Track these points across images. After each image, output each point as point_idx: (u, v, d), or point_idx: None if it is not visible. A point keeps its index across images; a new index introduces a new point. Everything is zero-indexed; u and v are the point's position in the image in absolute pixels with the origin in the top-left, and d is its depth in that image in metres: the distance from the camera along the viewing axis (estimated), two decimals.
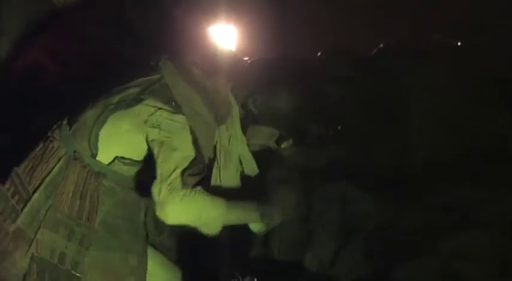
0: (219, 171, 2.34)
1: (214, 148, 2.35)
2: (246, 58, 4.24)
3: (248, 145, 2.46)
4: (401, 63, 3.52)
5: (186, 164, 2.11)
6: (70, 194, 2.17)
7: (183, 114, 2.16)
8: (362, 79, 3.62)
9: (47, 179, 2.19)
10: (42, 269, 2.14)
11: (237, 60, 4.22)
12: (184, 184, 2.09)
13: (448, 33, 3.81)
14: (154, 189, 2.07)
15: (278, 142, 2.39)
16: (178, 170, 2.09)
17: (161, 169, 2.09)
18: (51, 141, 2.27)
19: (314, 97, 2.58)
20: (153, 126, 2.14)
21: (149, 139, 2.15)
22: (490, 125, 3.03)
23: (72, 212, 2.16)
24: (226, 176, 2.36)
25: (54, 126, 2.32)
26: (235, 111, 2.36)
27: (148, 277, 2.26)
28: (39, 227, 2.15)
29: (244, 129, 2.49)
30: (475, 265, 2.31)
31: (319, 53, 4.35)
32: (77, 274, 2.13)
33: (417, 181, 2.75)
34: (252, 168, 2.48)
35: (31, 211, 2.18)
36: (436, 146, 2.97)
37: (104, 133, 2.19)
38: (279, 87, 2.36)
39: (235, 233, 2.50)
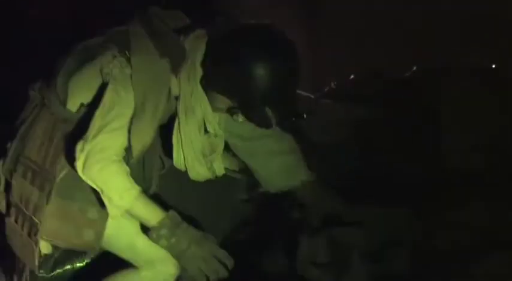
0: (179, 129, 2.26)
1: (176, 103, 2.26)
2: None
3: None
4: (431, 86, 3.49)
5: (118, 124, 2.07)
6: (38, 141, 2.21)
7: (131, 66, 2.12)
8: (393, 101, 3.61)
9: (22, 128, 2.28)
10: (17, 213, 2.24)
11: None
12: (105, 151, 2.05)
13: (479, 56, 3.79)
14: (78, 145, 2.04)
15: (232, 112, 2.26)
16: (106, 135, 2.05)
17: (93, 125, 2.06)
18: (31, 92, 2.35)
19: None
20: (107, 74, 2.12)
21: (107, 88, 2.13)
22: None
23: (38, 158, 2.20)
24: (187, 134, 2.26)
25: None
26: (197, 67, 2.23)
27: (118, 230, 2.22)
28: (14, 172, 2.25)
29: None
30: None
31: (351, 76, 4.38)
32: (36, 220, 2.15)
33: (445, 198, 2.70)
34: (217, 132, 2.37)
35: (11, 159, 2.29)
36: (465, 165, 2.92)
37: (71, 81, 2.20)
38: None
39: None
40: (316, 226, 2.61)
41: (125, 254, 2.27)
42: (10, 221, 2.29)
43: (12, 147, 2.30)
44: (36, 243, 2.18)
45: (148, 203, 2.12)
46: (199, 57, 2.20)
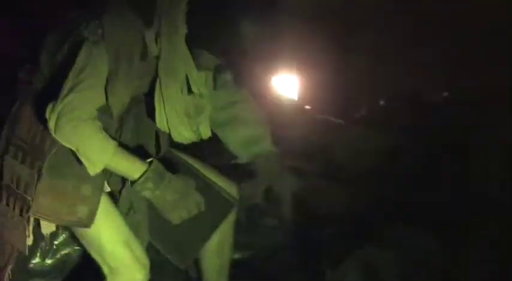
0: (161, 90, 2.20)
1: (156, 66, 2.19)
2: (307, 107, 4.31)
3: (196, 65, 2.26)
4: (462, 112, 3.49)
5: (90, 83, 2.03)
6: (28, 120, 2.18)
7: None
8: (424, 127, 3.61)
9: (12, 110, 2.25)
10: (8, 195, 2.19)
11: (298, 109, 4.31)
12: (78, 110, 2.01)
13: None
14: (49, 106, 1.99)
15: (218, 70, 2.23)
16: (77, 95, 2.01)
17: (65, 85, 2.01)
18: (20, 75, 2.32)
19: None
20: (80, 37, 2.08)
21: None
22: None
23: (28, 137, 2.17)
24: (169, 95, 2.21)
25: None
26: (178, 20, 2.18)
27: (93, 230, 2.16)
28: (4, 155, 2.21)
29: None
30: None
31: (381, 101, 4.39)
32: (28, 197, 2.12)
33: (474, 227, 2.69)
34: (203, 92, 2.30)
35: (2, 142, 2.24)
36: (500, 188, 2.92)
37: (53, 56, 2.16)
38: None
39: None
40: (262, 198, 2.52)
41: (95, 256, 2.22)
42: (1, 205, 2.22)
43: (4, 131, 2.26)
44: (28, 220, 2.16)
45: (127, 156, 2.07)
46: (180, 14, 2.17)
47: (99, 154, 2.04)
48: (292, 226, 2.94)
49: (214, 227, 2.31)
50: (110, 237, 2.17)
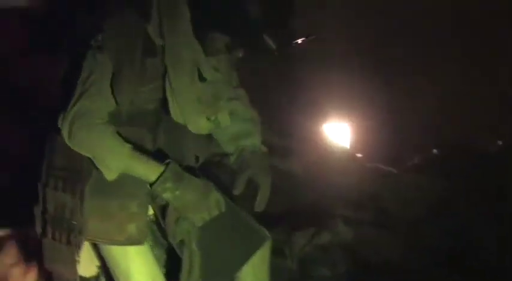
0: (170, 80, 2.15)
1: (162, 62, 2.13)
2: (358, 154, 4.33)
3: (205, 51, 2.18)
4: None
5: (98, 87, 2.03)
6: (60, 147, 2.14)
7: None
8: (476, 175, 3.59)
9: (47, 142, 2.22)
10: (53, 228, 2.15)
11: (349, 157, 4.32)
12: (91, 115, 2.02)
13: None
14: (60, 117, 2.00)
15: (228, 48, 2.16)
16: (86, 101, 2.03)
17: (74, 94, 2.03)
18: None
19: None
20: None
21: None
22: None
23: (64, 164, 2.15)
24: (178, 85, 2.16)
25: None
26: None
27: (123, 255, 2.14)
28: (44, 187, 2.18)
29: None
30: None
31: (433, 150, 4.37)
32: (74, 222, 2.09)
33: None
34: (216, 77, 2.24)
35: (44, 174, 2.20)
36: None
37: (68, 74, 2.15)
38: None
39: None
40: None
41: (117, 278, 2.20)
42: (47, 240, 2.19)
43: (43, 166, 2.23)
44: (77, 245, 2.12)
45: (143, 158, 2.06)
46: (181, 1, 2.14)
47: (114, 157, 2.05)
48: (344, 275, 2.94)
49: (245, 259, 2.26)
50: (139, 268, 2.16)
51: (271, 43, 2.07)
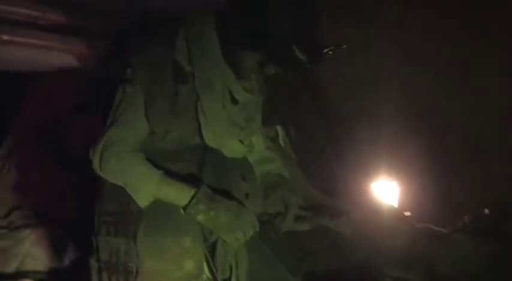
0: (201, 105, 2.14)
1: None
2: (407, 214, 4.26)
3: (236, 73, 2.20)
4: None
5: (127, 116, 2.08)
6: (106, 192, 2.18)
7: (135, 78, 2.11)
8: None
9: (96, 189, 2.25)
10: (109, 274, 2.16)
11: (398, 216, 4.27)
12: (122, 144, 2.06)
13: None
14: (91, 148, 2.06)
15: (261, 65, 2.11)
16: (115, 130, 2.07)
17: (106, 126, 2.08)
18: None
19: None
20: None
21: None
22: None
23: (112, 208, 2.16)
24: (209, 109, 2.15)
25: None
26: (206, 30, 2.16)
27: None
28: (96, 236, 2.20)
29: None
30: None
31: (485, 210, 4.28)
32: (131, 265, 2.09)
33: None
34: (248, 100, 2.23)
35: (94, 225, 2.23)
36: None
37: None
38: None
39: None
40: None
41: None
42: None
43: (95, 214, 2.27)
44: None
45: (174, 183, 2.08)
46: (208, 27, 2.16)
47: (145, 183, 2.07)
48: None
49: None
50: None
51: (303, 56, 2.04)
